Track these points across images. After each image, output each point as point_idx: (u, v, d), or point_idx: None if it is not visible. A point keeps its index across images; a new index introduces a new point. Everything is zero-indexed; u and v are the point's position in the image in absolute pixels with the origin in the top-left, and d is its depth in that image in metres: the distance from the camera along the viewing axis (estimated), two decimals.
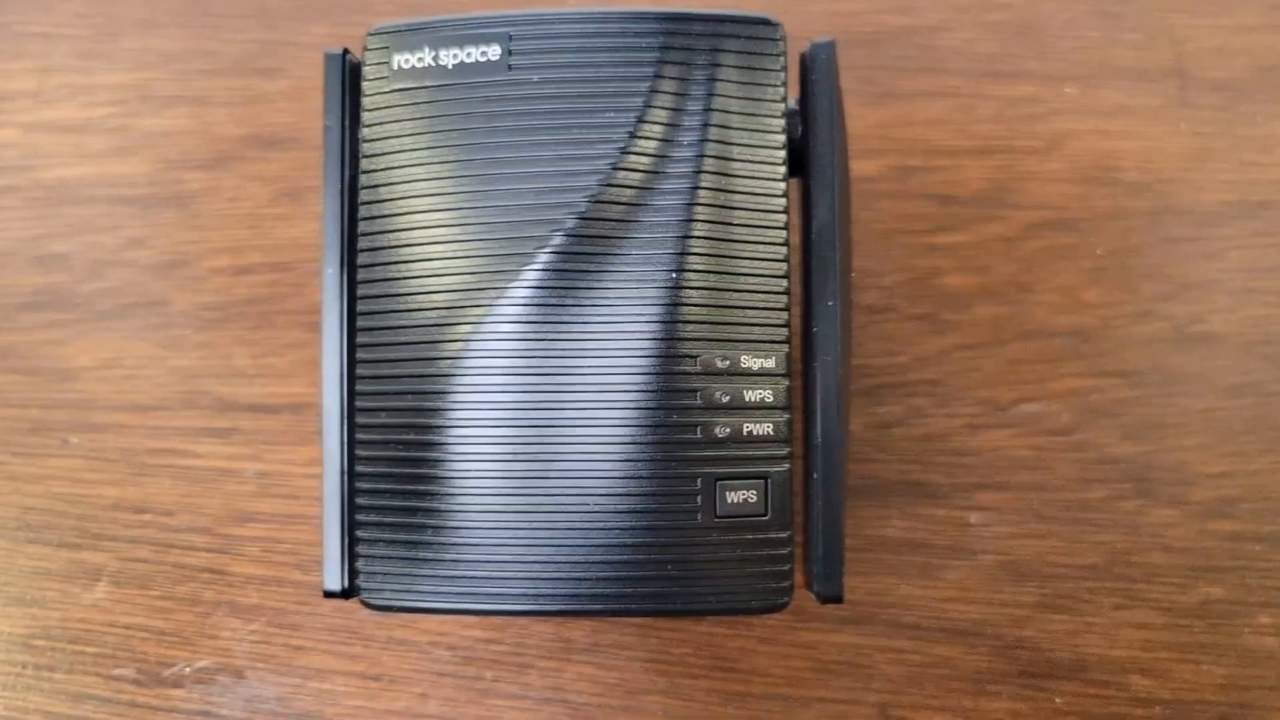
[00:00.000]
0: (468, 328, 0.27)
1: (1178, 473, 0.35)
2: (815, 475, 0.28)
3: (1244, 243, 0.37)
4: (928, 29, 0.40)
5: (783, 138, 0.28)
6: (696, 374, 0.27)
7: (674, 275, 0.26)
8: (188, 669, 0.35)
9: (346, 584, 0.28)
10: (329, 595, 0.28)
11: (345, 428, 0.28)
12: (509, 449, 0.27)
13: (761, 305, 0.27)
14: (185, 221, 0.41)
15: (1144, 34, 0.40)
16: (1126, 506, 0.35)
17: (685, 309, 0.26)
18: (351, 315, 0.29)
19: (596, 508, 0.26)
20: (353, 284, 0.29)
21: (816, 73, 0.29)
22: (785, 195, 0.27)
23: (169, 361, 0.39)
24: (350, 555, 0.28)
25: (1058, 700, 0.33)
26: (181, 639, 0.35)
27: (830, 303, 0.28)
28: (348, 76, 0.29)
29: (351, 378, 0.28)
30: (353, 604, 0.35)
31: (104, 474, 0.38)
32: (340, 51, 0.30)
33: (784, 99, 0.28)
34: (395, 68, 0.28)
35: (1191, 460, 0.35)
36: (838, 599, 0.28)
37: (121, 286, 0.40)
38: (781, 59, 0.28)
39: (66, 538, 0.37)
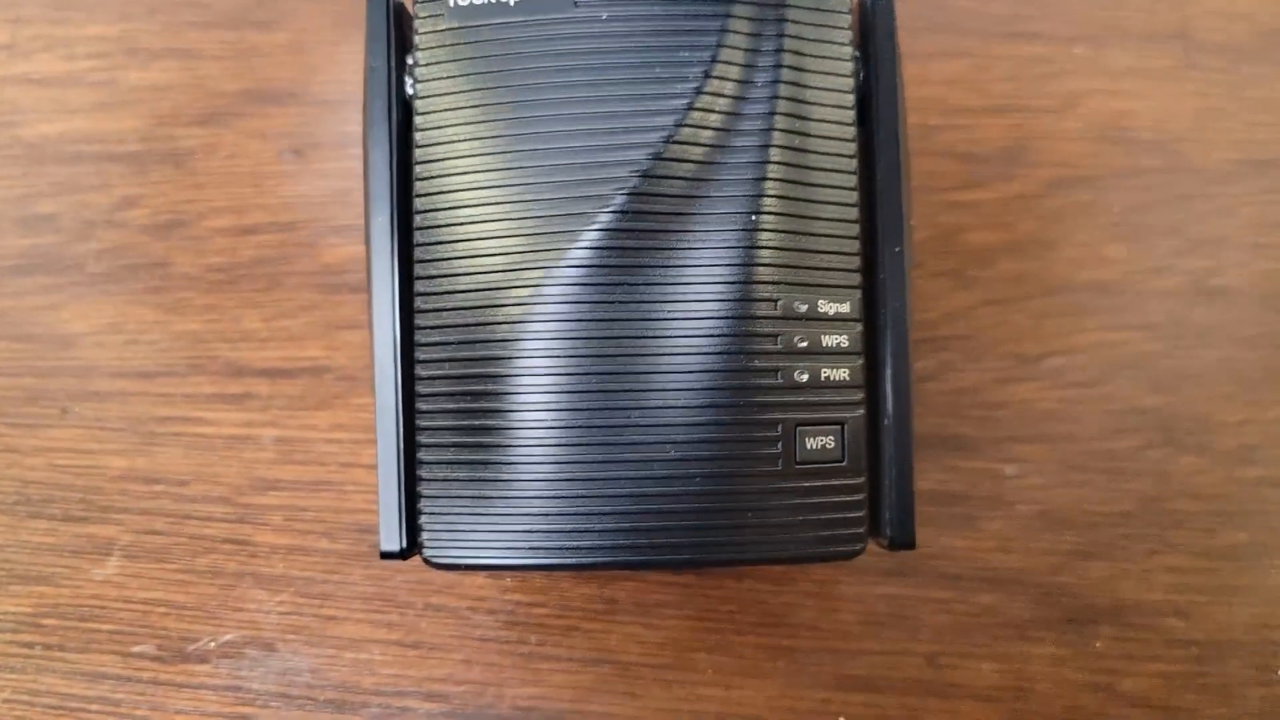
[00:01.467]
0: (538, 273, 0.26)
1: (1201, 422, 0.36)
2: (886, 422, 0.28)
3: (1254, 199, 0.38)
4: None
5: (852, 81, 0.27)
6: (776, 318, 0.26)
7: (753, 218, 0.26)
8: (213, 643, 0.33)
9: (405, 543, 0.27)
10: (386, 556, 0.27)
11: (400, 383, 0.27)
12: (583, 397, 0.26)
13: (835, 250, 0.27)
14: (182, 180, 0.39)
15: None
16: (1154, 455, 0.36)
17: (764, 252, 0.26)
18: (404, 265, 0.27)
19: (676, 455, 0.26)
20: (405, 232, 0.27)
21: (878, 17, 0.28)
22: (855, 140, 0.27)
23: (173, 325, 0.37)
24: (408, 514, 0.27)
25: (1098, 644, 0.33)
26: (204, 613, 0.34)
27: (896, 249, 0.28)
28: (393, 16, 0.28)
29: (406, 329, 0.27)
30: (384, 571, 0.34)
31: (109, 444, 0.36)
32: None
33: (851, 42, 0.27)
34: (452, 4, 0.27)
35: (1214, 410, 0.36)
36: (910, 545, 0.28)
37: (116, 248, 0.38)
38: (848, 0, 0.27)
39: (72, 511, 0.35)
